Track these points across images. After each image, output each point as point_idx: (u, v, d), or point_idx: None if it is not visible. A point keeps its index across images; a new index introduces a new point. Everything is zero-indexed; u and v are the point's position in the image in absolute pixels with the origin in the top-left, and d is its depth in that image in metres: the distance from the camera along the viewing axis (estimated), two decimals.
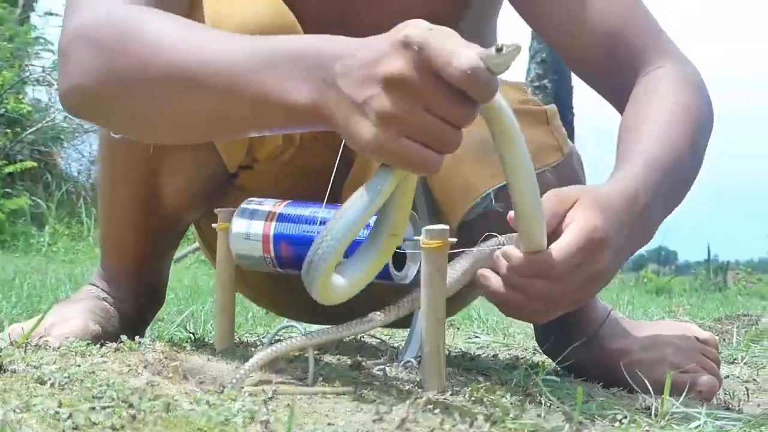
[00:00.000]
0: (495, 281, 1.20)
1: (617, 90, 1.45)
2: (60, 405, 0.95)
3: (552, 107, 1.41)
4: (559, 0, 1.45)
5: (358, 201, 1.06)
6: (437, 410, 1.08)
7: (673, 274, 11.38)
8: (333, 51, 1.04)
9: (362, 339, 1.78)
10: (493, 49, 0.98)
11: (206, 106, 1.13)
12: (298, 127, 1.16)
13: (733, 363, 1.98)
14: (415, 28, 1.01)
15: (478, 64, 0.97)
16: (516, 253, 1.17)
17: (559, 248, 1.16)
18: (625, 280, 9.00)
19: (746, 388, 1.64)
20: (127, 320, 1.53)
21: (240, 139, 1.42)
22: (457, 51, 0.98)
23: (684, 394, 1.42)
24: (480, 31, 1.58)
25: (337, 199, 1.34)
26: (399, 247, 1.20)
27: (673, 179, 1.34)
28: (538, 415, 1.13)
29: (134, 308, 1.55)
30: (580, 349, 1.48)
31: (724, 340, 2.40)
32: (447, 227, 1.17)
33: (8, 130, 7.72)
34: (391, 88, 1.00)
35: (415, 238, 1.19)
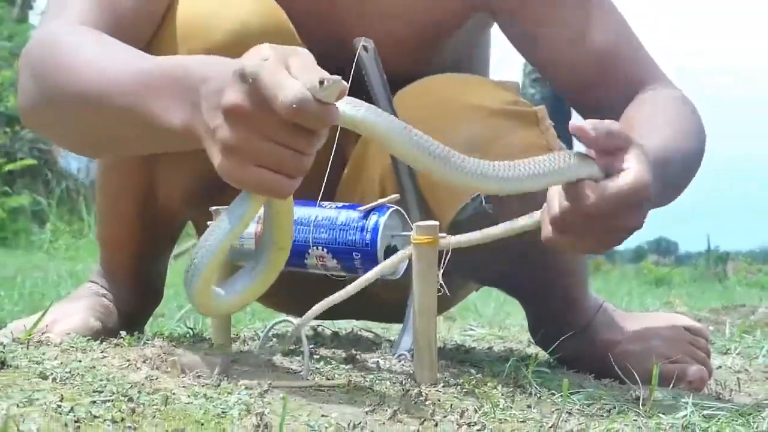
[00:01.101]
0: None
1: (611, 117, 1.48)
2: (62, 399, 0.98)
3: (541, 108, 1.43)
4: (553, 29, 1.47)
5: (220, 225, 1.12)
6: (429, 402, 1.11)
7: (673, 264, 11.39)
8: (201, 74, 1.09)
9: (358, 332, 1.80)
10: (317, 82, 1.00)
11: (108, 126, 1.21)
12: (185, 147, 1.19)
13: (726, 353, 2.00)
14: (251, 58, 1.04)
15: (303, 95, 1.00)
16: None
17: (605, 192, 1.16)
18: (624, 271, 9.01)
19: (738, 378, 1.66)
20: (126, 316, 1.56)
21: None
22: (285, 84, 1.00)
23: (673, 385, 1.45)
24: (476, 42, 1.60)
25: (332, 197, 1.37)
26: (390, 244, 1.23)
27: (683, 164, 1.38)
28: (528, 406, 1.15)
29: (133, 305, 1.57)
30: (571, 341, 1.51)
31: (718, 330, 2.42)
32: (437, 223, 1.20)
33: (8, 129, 7.73)
34: (231, 120, 1.04)
35: (406, 233, 1.22)
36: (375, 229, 1.21)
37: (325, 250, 1.23)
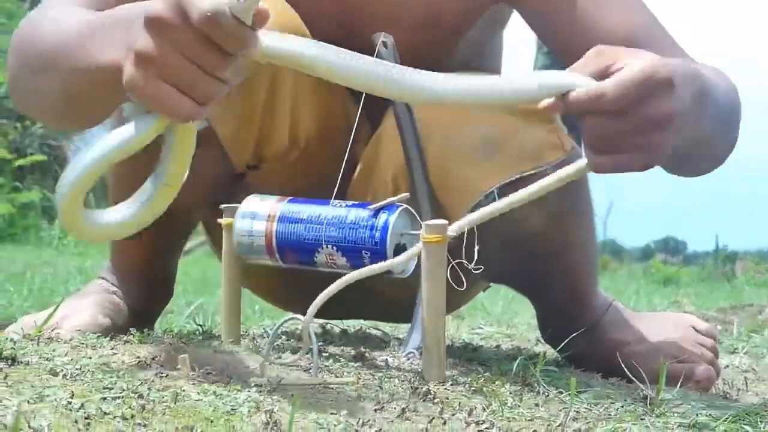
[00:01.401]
0: None
1: None
2: (72, 396, 0.99)
3: None
4: (574, 13, 1.45)
5: (106, 140, 1.06)
6: (437, 400, 1.12)
7: (681, 264, 11.38)
8: (145, 11, 1.04)
9: (367, 330, 1.81)
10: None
11: (65, 88, 1.19)
12: (119, 91, 1.11)
13: (733, 353, 2.00)
14: None
15: (219, 7, 0.97)
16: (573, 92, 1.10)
17: (613, 80, 1.08)
18: (632, 270, 9.01)
19: (745, 378, 1.66)
20: (135, 313, 1.56)
21: (247, 138, 1.45)
22: (191, 3, 0.97)
23: (681, 385, 1.45)
24: (488, 39, 1.60)
25: (343, 197, 1.37)
26: (400, 242, 1.23)
27: (728, 103, 1.31)
28: (536, 405, 1.16)
29: (143, 302, 1.58)
30: (580, 339, 1.51)
31: (726, 330, 2.42)
32: (446, 222, 1.20)
33: (18, 124, 7.76)
34: (149, 28, 1.00)
35: (415, 232, 1.22)
36: (384, 228, 1.22)
37: (334, 248, 1.24)
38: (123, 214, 1.11)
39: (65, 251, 6.50)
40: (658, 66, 1.08)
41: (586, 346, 1.52)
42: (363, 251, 1.22)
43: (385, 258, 1.21)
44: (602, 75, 1.10)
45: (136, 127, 1.05)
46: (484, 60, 1.61)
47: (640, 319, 1.59)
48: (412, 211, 1.24)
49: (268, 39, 1.07)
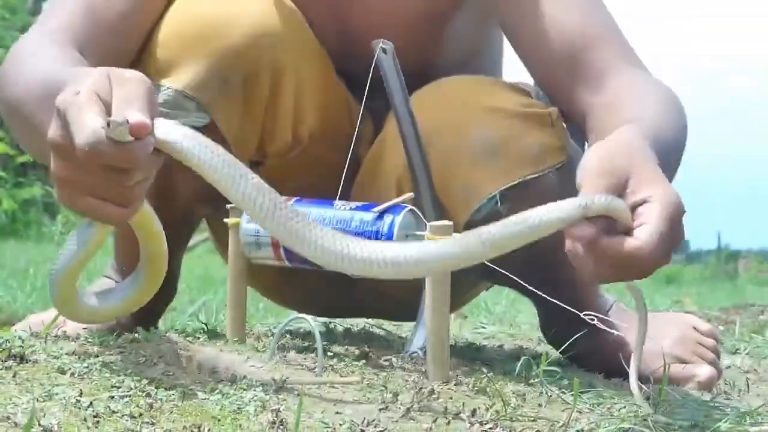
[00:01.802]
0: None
1: (582, 106, 1.43)
2: (81, 394, 1.00)
3: (555, 109, 1.44)
4: (525, 11, 1.45)
5: (68, 249, 1.14)
6: (441, 400, 1.13)
7: (684, 262, 11.39)
8: (49, 133, 1.07)
9: (370, 330, 1.82)
10: (121, 120, 1.00)
11: (22, 135, 1.30)
12: None
13: (735, 353, 2.01)
14: (65, 92, 1.04)
15: (94, 139, 0.99)
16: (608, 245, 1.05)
17: (647, 238, 1.05)
18: None
19: (747, 378, 1.66)
20: (140, 312, 1.57)
21: (250, 133, 1.46)
22: (82, 125, 1.00)
23: (683, 385, 1.46)
24: (480, 37, 1.61)
25: (347, 196, 1.38)
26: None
27: (677, 148, 1.33)
28: (539, 405, 1.17)
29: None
30: (582, 339, 1.52)
31: (727, 330, 2.43)
32: (451, 223, 1.21)
33: None
34: (54, 152, 1.05)
35: (420, 233, 1.23)
36: (389, 232, 1.22)
37: None
38: (115, 299, 1.22)
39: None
40: (675, 205, 1.06)
41: (588, 346, 1.53)
42: None
43: None
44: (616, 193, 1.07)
45: (88, 233, 1.13)
46: (482, 60, 1.61)
47: None
48: (417, 212, 1.25)
49: (161, 132, 1.07)
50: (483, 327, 2.18)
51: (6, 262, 4.89)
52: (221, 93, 1.40)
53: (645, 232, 1.04)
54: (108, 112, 1.03)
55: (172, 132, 1.07)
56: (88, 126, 1.00)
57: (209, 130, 1.40)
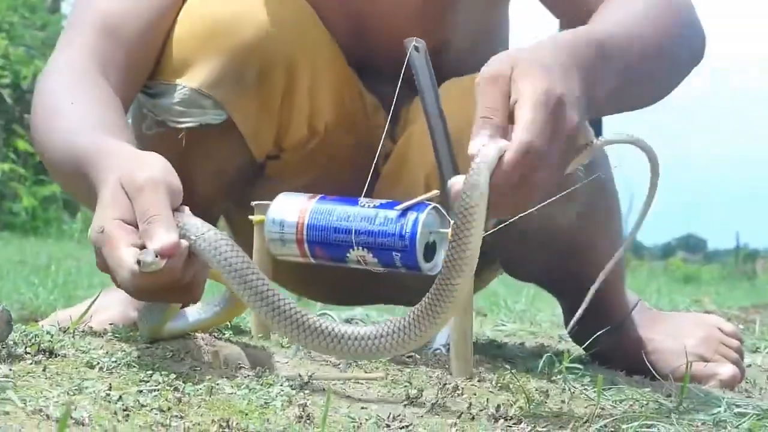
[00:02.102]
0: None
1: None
2: (110, 388, 1.01)
3: None
4: None
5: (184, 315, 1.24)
6: (465, 396, 1.14)
7: (702, 261, 11.35)
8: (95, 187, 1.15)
9: None
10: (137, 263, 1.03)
11: (61, 179, 1.35)
12: None
13: (755, 352, 2.01)
14: (93, 230, 1.08)
15: (132, 277, 1.04)
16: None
17: (520, 132, 1.03)
18: (653, 267, 9.00)
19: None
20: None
21: (267, 128, 1.47)
22: (115, 267, 1.05)
23: (705, 383, 1.47)
24: (490, 18, 1.61)
25: (371, 193, 1.39)
26: (429, 241, 1.25)
27: (642, 52, 1.26)
28: (562, 401, 1.18)
29: None
30: (606, 337, 1.52)
31: (748, 329, 2.43)
32: None
33: None
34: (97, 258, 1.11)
35: (443, 230, 1.24)
36: (413, 231, 1.22)
37: (365, 250, 1.25)
38: (184, 323, 1.25)
39: (87, 244, 6.51)
40: (546, 91, 1.04)
41: (611, 344, 1.53)
42: (393, 253, 1.24)
43: (415, 259, 1.22)
44: (504, 107, 1.06)
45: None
46: (492, 42, 1.60)
47: (666, 318, 1.60)
48: (440, 208, 1.26)
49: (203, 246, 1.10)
50: (503, 325, 2.19)
51: (27, 259, 4.91)
52: (237, 89, 1.41)
53: (518, 129, 1.03)
54: (135, 224, 1.06)
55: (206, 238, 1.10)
56: (122, 268, 1.04)
57: (226, 126, 1.42)
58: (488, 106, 1.05)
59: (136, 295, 1.10)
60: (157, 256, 1.03)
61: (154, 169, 1.10)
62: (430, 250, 1.24)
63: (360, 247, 1.25)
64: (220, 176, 1.51)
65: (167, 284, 1.06)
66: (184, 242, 1.06)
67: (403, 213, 1.25)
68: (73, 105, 1.31)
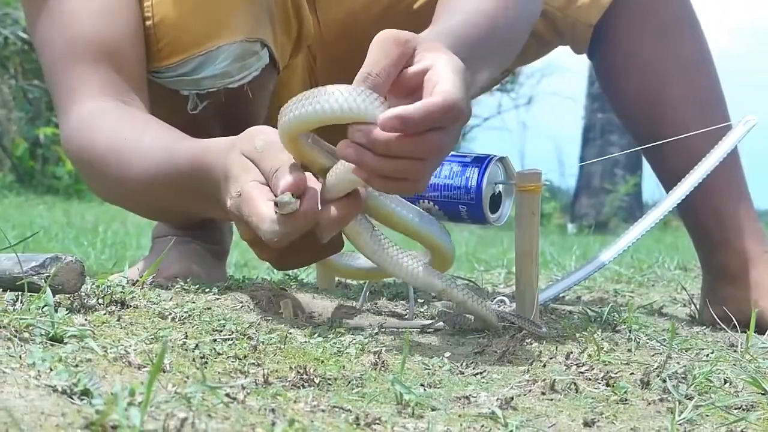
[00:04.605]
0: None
1: None
2: (186, 336, 1.02)
3: None
4: None
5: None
6: (534, 344, 1.14)
7: None
8: (215, 179, 1.16)
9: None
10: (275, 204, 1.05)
11: (162, 201, 1.34)
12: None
13: None
14: (229, 199, 1.11)
15: (273, 230, 1.05)
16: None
17: (449, 86, 1.02)
18: None
19: None
20: (217, 256, 1.60)
21: (286, 44, 1.50)
22: (257, 220, 1.06)
23: None
24: None
25: None
26: (495, 192, 1.25)
27: (493, 34, 1.30)
28: (628, 350, 1.18)
29: (216, 242, 1.62)
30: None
31: None
32: (540, 170, 1.22)
33: None
34: (253, 248, 1.13)
35: (510, 182, 1.24)
36: (479, 183, 1.23)
37: (432, 203, 1.26)
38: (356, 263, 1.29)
39: None
40: (458, 63, 1.05)
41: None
42: (459, 205, 1.24)
43: (481, 211, 1.23)
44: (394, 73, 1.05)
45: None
46: None
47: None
48: (507, 159, 1.26)
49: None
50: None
51: (74, 221, 4.96)
52: (267, 24, 1.43)
53: (443, 84, 1.02)
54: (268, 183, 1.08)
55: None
56: (264, 220, 1.05)
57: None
58: (384, 65, 1.04)
59: (284, 243, 1.08)
60: (292, 197, 1.04)
61: (267, 132, 1.12)
62: (495, 202, 1.25)
63: (426, 200, 1.26)
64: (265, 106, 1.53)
65: (309, 228, 1.07)
66: (314, 182, 1.08)
67: (469, 166, 1.25)
68: (126, 140, 1.32)
